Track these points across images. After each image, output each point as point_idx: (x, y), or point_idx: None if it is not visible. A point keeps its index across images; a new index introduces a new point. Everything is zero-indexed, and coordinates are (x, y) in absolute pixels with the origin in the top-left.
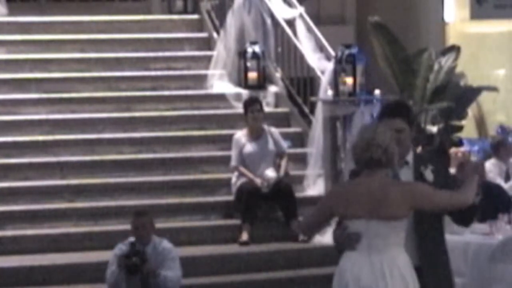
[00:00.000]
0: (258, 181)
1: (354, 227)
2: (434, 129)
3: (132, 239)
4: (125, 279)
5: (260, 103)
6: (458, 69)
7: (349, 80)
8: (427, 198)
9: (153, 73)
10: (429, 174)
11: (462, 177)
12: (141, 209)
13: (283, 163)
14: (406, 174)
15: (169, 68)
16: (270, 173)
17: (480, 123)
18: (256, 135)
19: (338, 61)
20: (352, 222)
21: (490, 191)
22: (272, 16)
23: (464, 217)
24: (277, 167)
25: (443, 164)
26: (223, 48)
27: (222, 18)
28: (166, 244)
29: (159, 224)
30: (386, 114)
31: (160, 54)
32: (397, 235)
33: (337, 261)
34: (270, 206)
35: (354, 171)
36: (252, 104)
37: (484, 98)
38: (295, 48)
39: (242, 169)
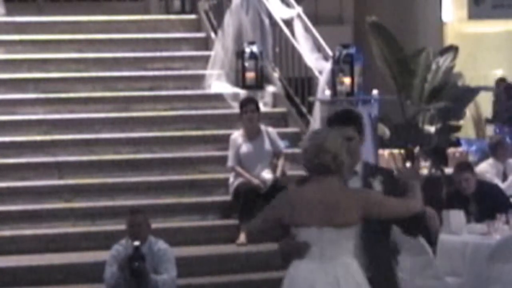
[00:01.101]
0: (255, 181)
1: (305, 235)
2: (432, 129)
3: (137, 242)
4: (124, 281)
5: (255, 103)
6: (456, 69)
7: (347, 80)
8: (379, 206)
9: (151, 73)
10: (377, 185)
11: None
12: (135, 207)
13: (280, 163)
14: (355, 184)
15: (167, 68)
16: (266, 174)
17: (478, 123)
18: (253, 135)
19: (336, 61)
20: (303, 230)
21: (489, 191)
22: (270, 16)
23: (413, 226)
24: (274, 167)
25: (391, 174)
26: (221, 48)
27: (219, 18)
28: (161, 244)
29: (157, 224)
30: (337, 121)
31: (158, 54)
32: (349, 242)
33: None
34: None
35: (300, 179)
36: (247, 104)
37: (482, 98)
38: (293, 48)
39: (239, 169)
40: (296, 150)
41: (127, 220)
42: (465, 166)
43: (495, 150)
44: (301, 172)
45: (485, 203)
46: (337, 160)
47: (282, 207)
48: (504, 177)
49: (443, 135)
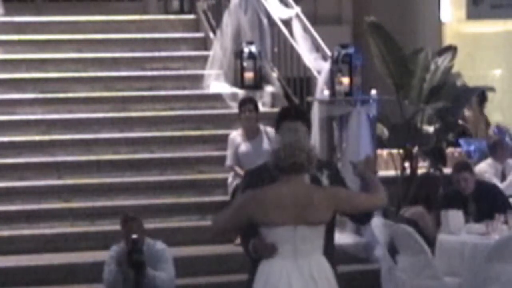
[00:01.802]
0: None
1: (279, 233)
2: (430, 129)
3: (135, 235)
4: (123, 278)
5: (254, 103)
6: (455, 69)
7: (346, 80)
8: (348, 202)
9: (149, 73)
10: (324, 179)
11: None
12: (129, 215)
13: None
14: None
15: (165, 68)
16: None
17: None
18: (252, 134)
19: (335, 61)
20: (277, 228)
21: (488, 191)
22: (269, 16)
23: (361, 216)
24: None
25: (337, 170)
26: (220, 48)
27: (218, 18)
28: (159, 245)
29: (156, 224)
30: (287, 117)
31: (156, 54)
32: (320, 240)
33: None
34: None
35: (249, 175)
36: (246, 104)
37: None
38: (292, 48)
39: (237, 169)
40: None
41: (122, 228)
42: (463, 166)
43: (494, 150)
44: None
45: (484, 203)
46: (310, 157)
47: (252, 207)
48: (503, 177)
49: (441, 135)
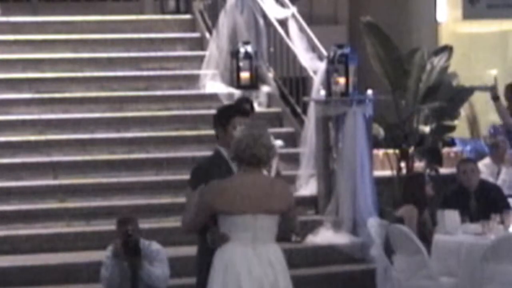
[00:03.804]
0: None
1: (239, 222)
2: (426, 129)
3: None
4: (119, 270)
5: (250, 103)
6: (451, 69)
7: (342, 80)
8: (293, 208)
9: (145, 73)
10: None
11: None
12: (124, 217)
13: (274, 162)
14: None
15: (161, 68)
16: None
17: (473, 123)
18: None
19: (331, 61)
20: (237, 217)
21: (490, 190)
22: (265, 16)
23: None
24: (268, 167)
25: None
26: (216, 48)
27: (214, 18)
28: (154, 246)
29: (152, 224)
30: (240, 111)
31: (152, 54)
32: (275, 228)
33: (330, 260)
34: None
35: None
36: (242, 104)
37: (477, 98)
38: (288, 48)
39: None
40: (291, 150)
41: (118, 229)
42: (470, 160)
43: (493, 151)
44: (296, 172)
45: (485, 202)
46: (270, 153)
47: (214, 198)
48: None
49: (437, 135)
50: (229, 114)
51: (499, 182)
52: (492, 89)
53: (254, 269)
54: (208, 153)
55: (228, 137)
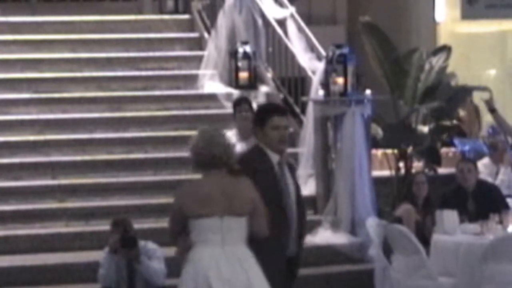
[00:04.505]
0: None
1: (207, 224)
2: (425, 129)
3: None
4: (116, 267)
5: (249, 103)
6: (449, 69)
7: (340, 80)
8: (258, 209)
9: (144, 73)
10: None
11: None
12: (119, 219)
13: None
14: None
15: (160, 68)
16: None
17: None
18: (246, 135)
19: (329, 61)
20: (205, 219)
21: (488, 190)
22: (263, 16)
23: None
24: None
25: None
26: (214, 48)
27: (213, 18)
28: (151, 245)
29: (150, 224)
30: (274, 112)
31: (151, 54)
32: (244, 231)
33: (329, 260)
34: None
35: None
36: (240, 104)
37: (475, 98)
38: (286, 48)
39: None
40: (290, 150)
41: (112, 230)
42: (469, 159)
43: (492, 151)
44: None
45: (484, 203)
46: (228, 151)
47: (183, 202)
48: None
49: (436, 135)
50: (266, 113)
51: (497, 182)
52: (488, 103)
53: (223, 268)
54: None
55: (265, 137)
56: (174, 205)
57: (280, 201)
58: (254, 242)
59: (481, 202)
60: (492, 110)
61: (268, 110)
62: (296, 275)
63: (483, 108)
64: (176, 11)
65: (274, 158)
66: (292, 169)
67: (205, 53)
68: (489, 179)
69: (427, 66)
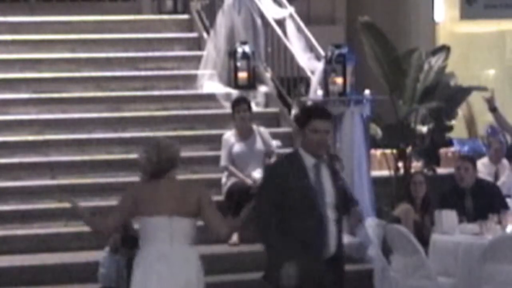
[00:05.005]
0: (248, 181)
1: (156, 223)
2: (424, 129)
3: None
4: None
5: (247, 103)
6: (448, 69)
7: (339, 80)
8: (206, 208)
9: (143, 73)
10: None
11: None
12: None
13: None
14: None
15: (159, 68)
16: (257, 174)
17: (470, 123)
18: (245, 135)
19: (328, 61)
20: (154, 218)
21: (487, 189)
22: (262, 16)
23: None
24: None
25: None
26: (213, 48)
27: (212, 18)
28: None
29: None
30: (318, 115)
31: (150, 54)
32: (192, 231)
33: None
34: None
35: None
36: (239, 104)
37: (474, 98)
38: (285, 48)
39: (232, 169)
40: (288, 150)
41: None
42: (467, 158)
43: (491, 151)
44: None
45: (482, 201)
46: (178, 153)
47: (133, 201)
48: (496, 178)
49: (435, 135)
50: (309, 115)
51: (498, 183)
52: (489, 101)
53: (171, 264)
54: (206, 153)
55: (303, 138)
56: (124, 203)
57: (313, 203)
58: (288, 244)
59: (479, 201)
60: (493, 109)
61: (311, 112)
62: (341, 275)
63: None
64: (175, 11)
65: (310, 160)
66: (335, 172)
67: (204, 53)
68: (488, 178)
69: (426, 66)
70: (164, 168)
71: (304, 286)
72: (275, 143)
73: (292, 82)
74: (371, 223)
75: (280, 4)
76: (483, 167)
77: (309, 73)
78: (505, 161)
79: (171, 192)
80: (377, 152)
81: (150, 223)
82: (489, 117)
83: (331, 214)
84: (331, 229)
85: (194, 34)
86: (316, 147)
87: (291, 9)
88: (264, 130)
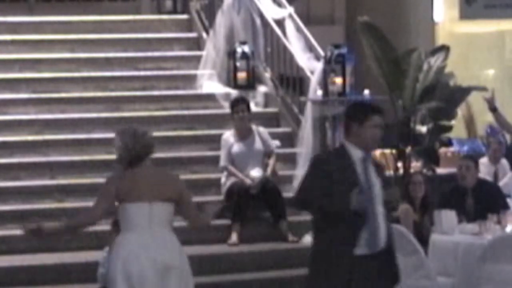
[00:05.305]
0: (247, 181)
1: (136, 209)
2: (423, 129)
3: None
4: None
5: (246, 103)
6: (448, 69)
7: (339, 80)
8: (184, 197)
9: (142, 73)
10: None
11: None
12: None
13: (271, 162)
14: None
15: (158, 68)
16: (255, 173)
17: (470, 123)
18: (244, 135)
19: (328, 61)
20: (136, 204)
21: (488, 189)
22: (262, 16)
23: None
24: (265, 167)
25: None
26: (213, 48)
27: (211, 18)
28: None
29: None
30: (374, 112)
31: (149, 54)
32: (170, 217)
33: None
34: (259, 206)
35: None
36: (238, 104)
37: (474, 98)
38: (285, 48)
39: (232, 169)
40: (288, 150)
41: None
42: (470, 157)
43: (490, 150)
44: (292, 172)
45: (483, 201)
46: (152, 141)
47: (114, 189)
48: (495, 178)
49: (434, 135)
50: (367, 111)
51: (500, 184)
52: (489, 101)
53: (151, 248)
54: (206, 153)
55: (359, 133)
56: (106, 192)
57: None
58: (326, 238)
59: (480, 200)
60: (493, 109)
61: (369, 108)
62: (394, 269)
63: (482, 108)
64: (174, 11)
65: (357, 154)
66: (379, 167)
67: (204, 53)
68: (488, 178)
69: (425, 66)
70: (141, 156)
71: (354, 279)
72: (274, 143)
73: (291, 82)
74: None
75: (280, 4)
76: (482, 167)
77: (308, 73)
78: (504, 161)
79: (149, 179)
80: (377, 152)
81: (131, 209)
82: (489, 117)
83: (380, 208)
84: (381, 223)
85: (193, 34)
86: (372, 141)
87: (290, 9)
88: (263, 130)
